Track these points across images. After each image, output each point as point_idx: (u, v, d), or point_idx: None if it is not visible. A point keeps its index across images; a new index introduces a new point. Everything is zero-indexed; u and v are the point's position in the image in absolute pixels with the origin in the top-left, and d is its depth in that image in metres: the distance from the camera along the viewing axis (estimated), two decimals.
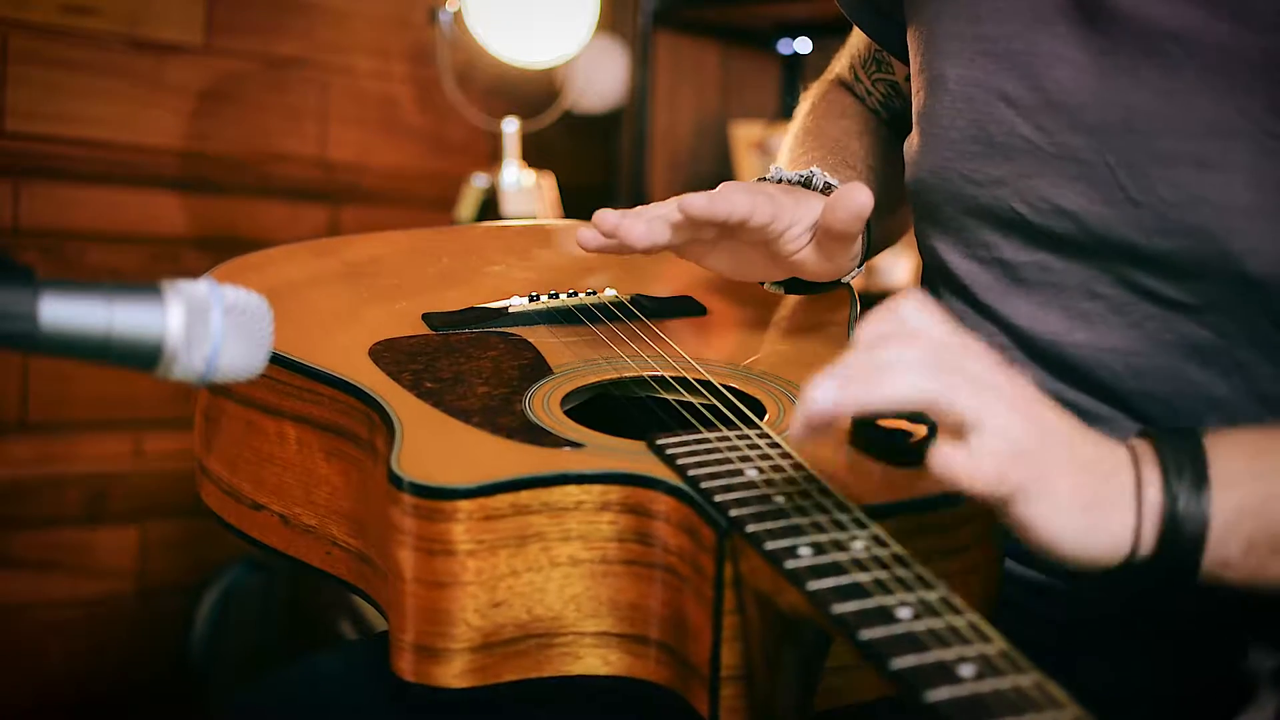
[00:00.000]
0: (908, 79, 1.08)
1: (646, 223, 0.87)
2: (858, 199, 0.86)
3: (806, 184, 0.97)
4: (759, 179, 1.00)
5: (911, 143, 0.95)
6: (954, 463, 0.58)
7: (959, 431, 0.59)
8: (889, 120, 1.15)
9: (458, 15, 2.11)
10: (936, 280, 0.96)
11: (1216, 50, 0.77)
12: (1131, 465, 0.64)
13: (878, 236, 1.05)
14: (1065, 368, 0.86)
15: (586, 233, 0.88)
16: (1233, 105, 0.76)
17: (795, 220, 0.91)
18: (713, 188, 0.90)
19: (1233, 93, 0.76)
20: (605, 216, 0.86)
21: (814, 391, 0.58)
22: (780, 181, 0.98)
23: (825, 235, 0.91)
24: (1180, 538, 0.63)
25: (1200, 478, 0.63)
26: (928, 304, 0.63)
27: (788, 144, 1.12)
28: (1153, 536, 0.63)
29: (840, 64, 1.20)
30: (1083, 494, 0.61)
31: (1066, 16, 0.83)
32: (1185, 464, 0.64)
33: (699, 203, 0.86)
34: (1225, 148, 0.76)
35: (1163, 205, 0.78)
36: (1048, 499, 0.60)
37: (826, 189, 0.96)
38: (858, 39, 1.16)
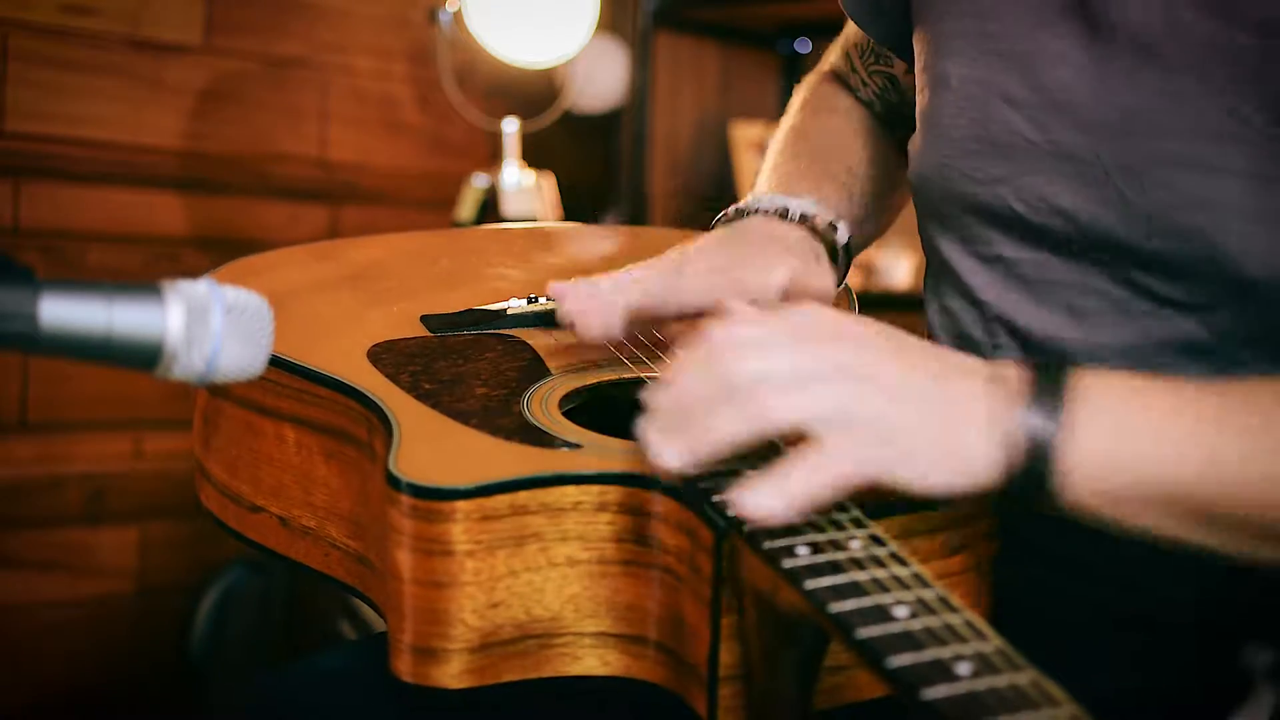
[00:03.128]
0: (907, 73, 1.09)
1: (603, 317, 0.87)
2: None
3: (783, 216, 0.96)
4: (735, 208, 0.99)
5: (914, 140, 0.95)
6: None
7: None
8: (883, 113, 1.15)
9: (458, 15, 2.11)
10: (940, 275, 0.96)
11: (1207, 50, 0.77)
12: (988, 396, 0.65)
13: (859, 242, 1.06)
14: (1064, 363, 0.86)
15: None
16: (1226, 106, 0.76)
17: (759, 291, 0.89)
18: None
19: (1225, 94, 0.76)
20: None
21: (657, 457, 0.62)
22: (756, 212, 0.97)
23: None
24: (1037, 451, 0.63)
25: (1058, 406, 0.63)
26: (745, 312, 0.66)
27: (777, 142, 1.12)
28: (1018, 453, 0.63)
29: (834, 54, 1.19)
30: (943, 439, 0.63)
31: (1067, 17, 0.83)
32: (1048, 391, 0.64)
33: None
34: (1222, 151, 0.76)
35: (1159, 207, 0.78)
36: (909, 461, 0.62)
37: (803, 220, 0.96)
38: (855, 29, 1.15)
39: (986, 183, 0.87)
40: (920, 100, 0.94)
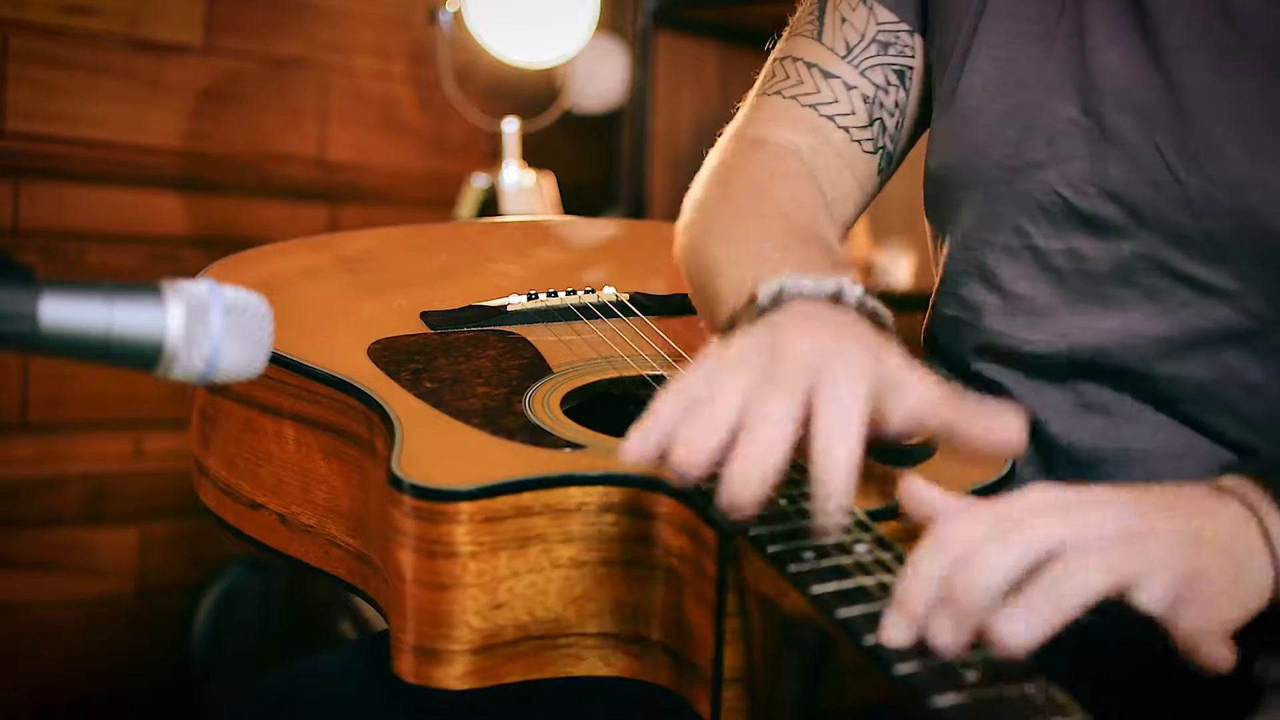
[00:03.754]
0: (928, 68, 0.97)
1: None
2: (1012, 439, 0.63)
3: (837, 299, 0.71)
4: (768, 293, 0.70)
5: (934, 128, 0.92)
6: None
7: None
8: (863, 124, 0.97)
9: (458, 15, 2.10)
10: (959, 269, 0.92)
11: (1265, 36, 0.77)
12: (1253, 517, 0.64)
13: None
14: (1095, 352, 0.85)
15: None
16: None
17: (904, 421, 0.66)
18: None
19: None
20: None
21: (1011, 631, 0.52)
22: (800, 296, 0.70)
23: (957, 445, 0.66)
24: None
25: None
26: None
27: (705, 198, 0.94)
28: None
29: (768, 121, 1.02)
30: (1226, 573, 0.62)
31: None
32: None
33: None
34: (1277, 133, 0.76)
35: (1211, 186, 0.78)
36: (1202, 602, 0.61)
37: (861, 305, 0.71)
38: (813, 32, 1.00)
39: (1023, 168, 0.85)
40: (942, 87, 0.92)
